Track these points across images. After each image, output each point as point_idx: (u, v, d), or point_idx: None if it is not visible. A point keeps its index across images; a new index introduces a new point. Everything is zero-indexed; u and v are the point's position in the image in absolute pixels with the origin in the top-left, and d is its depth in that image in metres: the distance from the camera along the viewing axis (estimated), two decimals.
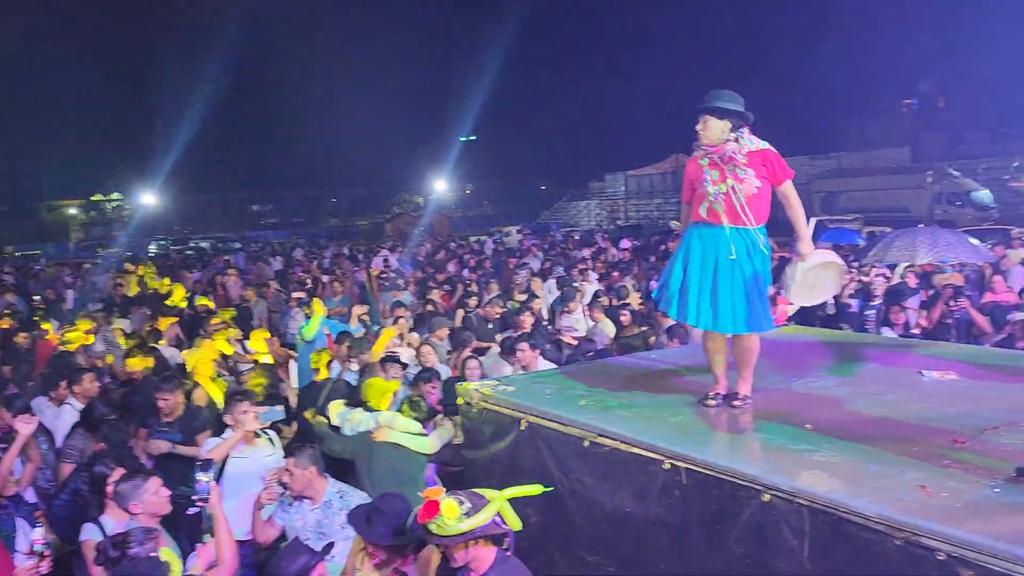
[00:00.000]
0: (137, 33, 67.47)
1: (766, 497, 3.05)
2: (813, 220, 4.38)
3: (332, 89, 63.75)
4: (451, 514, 2.97)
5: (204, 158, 55.70)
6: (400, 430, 5.26)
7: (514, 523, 3.07)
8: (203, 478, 3.76)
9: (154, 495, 3.99)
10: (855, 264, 11.56)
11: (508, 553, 3.23)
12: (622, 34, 75.25)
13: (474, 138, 60.87)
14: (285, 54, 72.60)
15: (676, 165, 47.31)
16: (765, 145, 4.06)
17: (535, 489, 3.26)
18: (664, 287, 4.29)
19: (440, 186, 57.93)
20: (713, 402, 4.16)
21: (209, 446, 5.13)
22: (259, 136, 65.72)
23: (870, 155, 41.12)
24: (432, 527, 2.99)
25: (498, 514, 3.05)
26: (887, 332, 8.10)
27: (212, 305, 12.17)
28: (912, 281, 10.43)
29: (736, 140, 4.02)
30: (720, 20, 69.35)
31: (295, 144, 64.13)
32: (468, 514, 2.99)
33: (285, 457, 4.53)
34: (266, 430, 5.30)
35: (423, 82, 72.19)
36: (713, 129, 4.04)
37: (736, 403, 4.13)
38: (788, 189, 4.10)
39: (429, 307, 10.96)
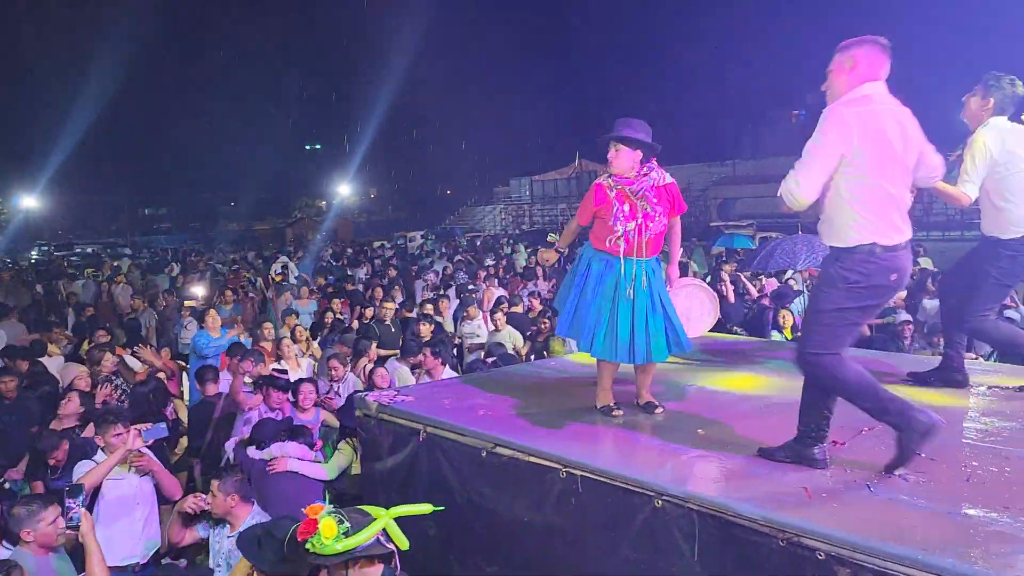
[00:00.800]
0: (17, 28, 63.68)
1: (658, 503, 3.12)
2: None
3: (227, 89, 61.98)
4: (329, 533, 2.80)
5: (91, 159, 53.02)
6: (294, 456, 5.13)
7: (401, 542, 2.89)
8: (73, 505, 3.51)
9: (49, 525, 3.77)
10: (746, 273, 11.99)
11: (397, 572, 3.10)
12: (525, 41, 75.96)
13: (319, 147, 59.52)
14: (177, 51, 70.04)
15: (579, 170, 48.05)
16: (670, 179, 4.13)
17: (424, 508, 3.12)
18: (575, 318, 4.21)
19: (343, 190, 57.03)
20: (619, 412, 4.18)
21: (82, 470, 4.66)
22: (150, 137, 63.09)
23: (762, 163, 42.77)
24: (309, 547, 2.81)
25: (384, 532, 2.89)
26: (775, 335, 8.41)
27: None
28: (797, 285, 10.91)
29: (647, 175, 4.05)
30: (621, 30, 70.94)
31: (189, 145, 61.83)
32: (347, 533, 2.82)
33: (213, 478, 4.35)
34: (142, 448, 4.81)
35: (323, 84, 70.93)
36: (624, 159, 4.03)
37: (658, 411, 4.18)
38: (677, 221, 4.28)
39: (328, 315, 10.76)
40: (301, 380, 6.42)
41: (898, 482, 3.04)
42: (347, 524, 2.82)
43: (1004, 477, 3.04)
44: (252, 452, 5.20)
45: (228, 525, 4.26)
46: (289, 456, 5.12)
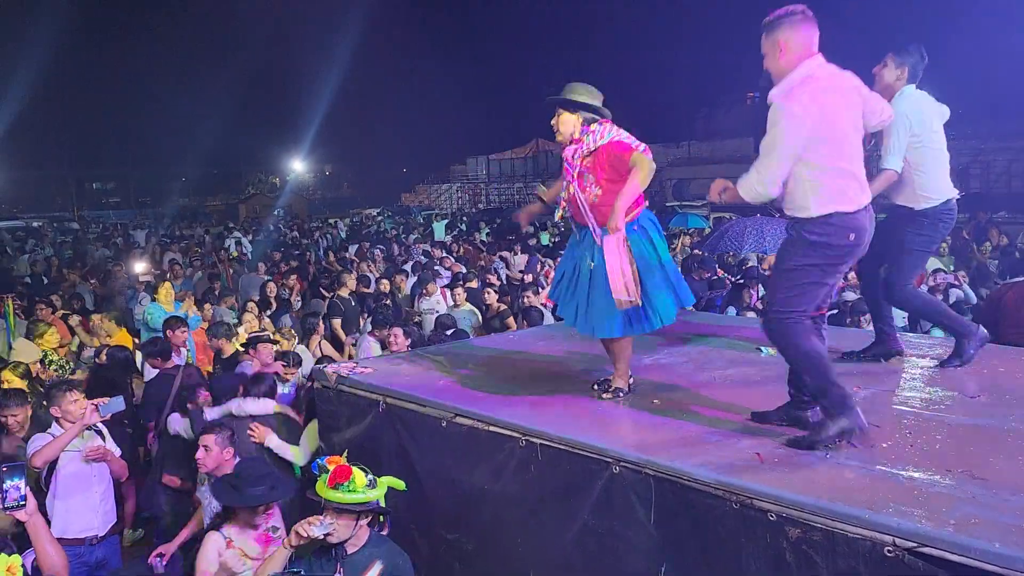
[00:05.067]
0: None
1: (616, 469, 3.18)
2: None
3: (177, 59, 60.42)
4: (360, 481, 3.12)
5: (36, 131, 51.33)
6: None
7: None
8: (12, 484, 3.17)
9: None
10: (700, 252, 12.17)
11: (383, 533, 3.34)
12: (483, 19, 75.43)
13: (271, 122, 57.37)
14: (124, 22, 67.93)
15: (537, 150, 48.04)
16: (606, 140, 3.82)
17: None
18: (557, 281, 4.21)
19: (298, 166, 56.24)
20: (608, 394, 4.03)
21: (37, 443, 4.49)
22: (95, 110, 61.19)
23: (717, 145, 43.26)
24: (338, 493, 3.09)
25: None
26: (731, 311, 8.58)
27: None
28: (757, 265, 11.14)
29: (581, 139, 3.85)
30: (577, 10, 70.71)
31: (137, 119, 60.16)
32: (371, 485, 3.14)
33: (205, 432, 4.40)
34: (97, 424, 4.69)
35: (276, 58, 69.55)
36: (566, 124, 3.90)
37: (606, 396, 4.01)
38: (633, 160, 3.73)
39: (271, 288, 10.76)
40: (281, 354, 6.52)
41: (846, 447, 3.14)
42: (372, 476, 3.17)
43: (945, 443, 3.17)
44: (209, 412, 5.16)
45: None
46: (248, 413, 5.07)
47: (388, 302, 9.07)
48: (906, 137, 4.15)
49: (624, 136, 3.87)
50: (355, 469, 3.16)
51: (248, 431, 4.99)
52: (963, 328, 4.36)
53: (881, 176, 4.19)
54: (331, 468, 3.16)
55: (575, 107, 3.89)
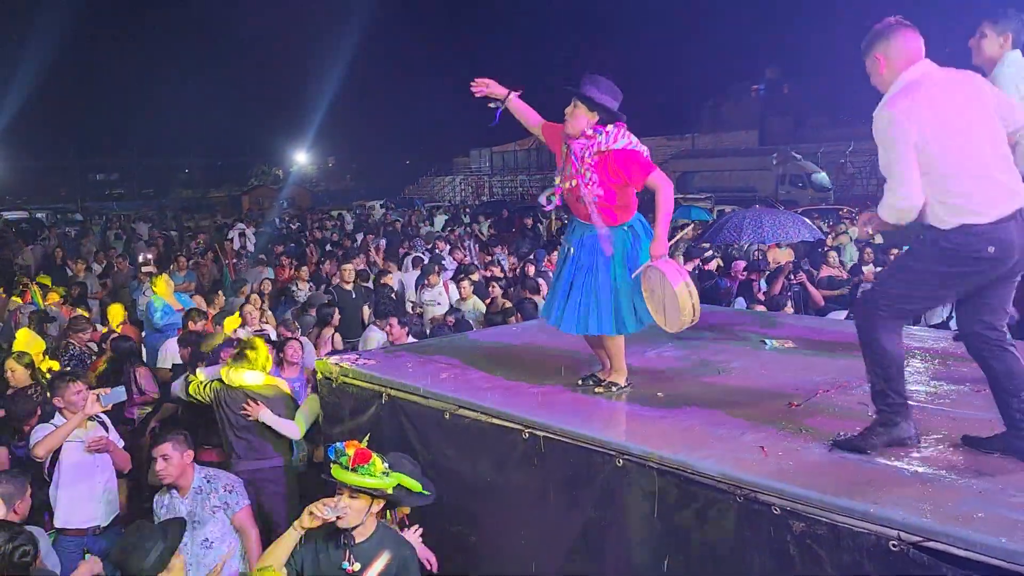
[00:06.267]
0: None
1: (619, 461, 3.17)
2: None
3: (180, 50, 60.34)
4: (379, 466, 3.20)
5: (40, 122, 51.28)
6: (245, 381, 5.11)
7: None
8: None
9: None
10: (705, 244, 12.17)
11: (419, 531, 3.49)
12: (487, 10, 75.20)
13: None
14: (128, 9, 67.84)
15: (540, 142, 47.90)
16: (619, 145, 3.79)
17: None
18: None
19: (301, 158, 56.15)
20: (601, 388, 4.02)
21: (39, 434, 4.54)
22: (99, 101, 61.18)
23: (721, 137, 43.21)
24: (356, 475, 3.15)
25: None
26: (740, 302, 8.58)
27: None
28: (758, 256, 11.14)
29: (593, 137, 3.80)
30: (583, 1, 70.45)
31: (141, 109, 60.10)
32: (387, 473, 3.21)
33: (159, 443, 4.18)
34: (98, 414, 4.74)
35: (280, 49, 69.42)
36: (579, 119, 3.79)
37: (599, 389, 4.00)
38: (653, 183, 3.76)
39: (265, 284, 10.74)
40: (287, 338, 6.62)
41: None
42: (389, 463, 3.27)
43: (951, 437, 3.15)
44: (203, 371, 5.20)
45: (177, 491, 4.17)
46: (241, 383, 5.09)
47: (394, 295, 9.06)
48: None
49: (639, 147, 3.84)
50: (374, 455, 3.21)
51: (242, 407, 5.01)
52: None
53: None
54: (350, 451, 3.19)
55: (594, 106, 3.79)
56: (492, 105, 4.14)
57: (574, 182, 3.87)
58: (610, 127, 3.81)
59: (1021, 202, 2.89)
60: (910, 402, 3.08)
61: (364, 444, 3.27)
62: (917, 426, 3.06)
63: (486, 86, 4.12)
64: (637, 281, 3.82)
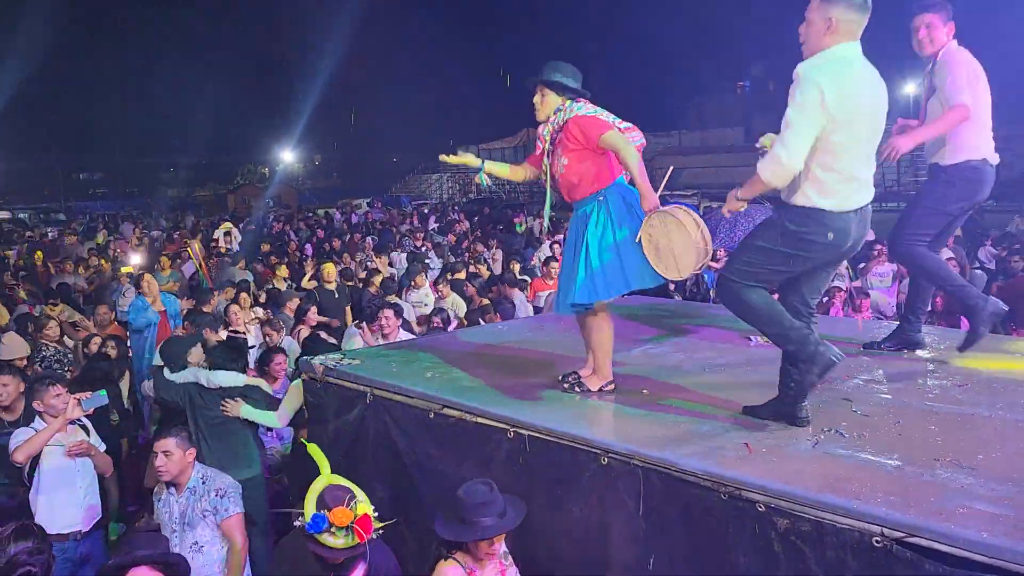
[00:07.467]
0: None
1: (604, 460, 3.16)
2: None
3: (165, 49, 59.91)
4: (377, 524, 3.15)
5: (21, 120, 50.84)
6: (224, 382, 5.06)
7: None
8: None
9: None
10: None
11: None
12: (472, 9, 75.01)
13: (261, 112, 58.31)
14: (113, 8, 67.24)
15: (527, 139, 47.87)
16: (572, 114, 3.81)
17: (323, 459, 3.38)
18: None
19: (287, 156, 55.91)
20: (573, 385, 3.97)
21: (19, 437, 4.43)
22: (83, 100, 60.67)
23: (707, 134, 43.31)
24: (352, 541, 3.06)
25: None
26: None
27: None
28: None
29: (556, 113, 3.86)
30: (569, 0, 70.41)
31: (126, 108, 59.74)
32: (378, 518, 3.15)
33: (161, 438, 4.14)
34: (80, 418, 4.67)
35: (266, 47, 69.06)
36: (549, 104, 3.89)
37: (576, 389, 3.93)
38: (610, 141, 3.71)
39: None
40: (273, 350, 6.47)
41: (835, 437, 3.13)
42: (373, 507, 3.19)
43: (934, 432, 3.16)
44: (177, 374, 5.14)
45: (174, 488, 4.15)
46: (218, 385, 5.03)
47: (380, 296, 9.01)
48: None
49: (601, 114, 3.86)
50: (368, 512, 3.13)
51: (220, 406, 4.96)
52: (972, 300, 4.09)
53: (951, 114, 3.95)
54: (344, 524, 3.05)
55: (560, 88, 3.86)
56: (476, 178, 4.43)
57: (545, 162, 3.96)
58: (567, 102, 3.88)
59: (864, 201, 3.18)
60: (834, 363, 3.16)
61: (351, 511, 3.09)
62: (831, 348, 3.15)
63: (460, 160, 4.34)
64: (618, 247, 3.69)
